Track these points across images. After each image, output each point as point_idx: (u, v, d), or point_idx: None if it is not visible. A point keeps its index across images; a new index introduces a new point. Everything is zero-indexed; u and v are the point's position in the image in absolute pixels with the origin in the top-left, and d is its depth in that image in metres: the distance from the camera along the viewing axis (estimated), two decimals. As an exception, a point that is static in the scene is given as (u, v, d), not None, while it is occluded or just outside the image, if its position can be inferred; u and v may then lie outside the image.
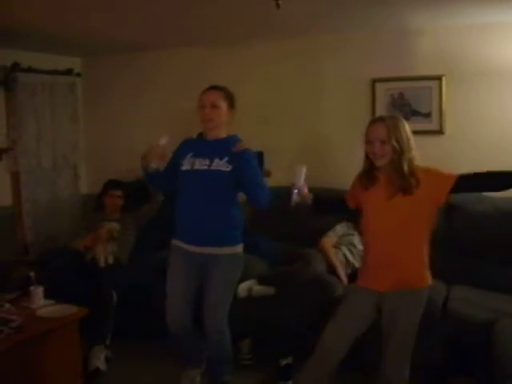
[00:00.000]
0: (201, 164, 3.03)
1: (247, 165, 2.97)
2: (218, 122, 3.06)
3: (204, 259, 3.08)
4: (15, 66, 4.85)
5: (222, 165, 2.99)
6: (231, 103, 3.10)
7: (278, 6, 3.04)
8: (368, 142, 2.67)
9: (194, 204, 3.07)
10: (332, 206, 3.17)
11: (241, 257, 3.17)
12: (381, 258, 2.70)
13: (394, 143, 2.59)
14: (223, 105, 3.05)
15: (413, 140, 2.66)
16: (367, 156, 2.72)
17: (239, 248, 3.15)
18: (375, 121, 2.71)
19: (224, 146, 3.03)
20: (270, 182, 4.75)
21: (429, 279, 2.73)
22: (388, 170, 2.66)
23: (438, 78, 4.24)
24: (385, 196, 2.65)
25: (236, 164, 2.96)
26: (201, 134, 3.19)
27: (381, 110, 4.40)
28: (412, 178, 2.58)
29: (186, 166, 3.09)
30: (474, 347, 3.21)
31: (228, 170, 2.99)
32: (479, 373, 3.19)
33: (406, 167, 2.58)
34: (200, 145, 3.13)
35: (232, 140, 3.08)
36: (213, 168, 3.00)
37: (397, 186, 2.61)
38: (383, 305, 2.71)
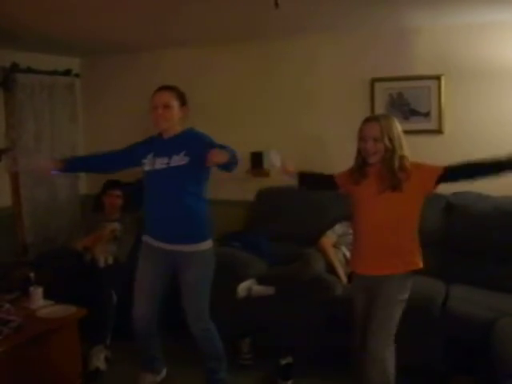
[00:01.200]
0: (161, 163, 3.09)
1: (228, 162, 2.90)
2: (172, 121, 3.13)
3: (173, 256, 3.14)
4: (14, 67, 4.85)
5: (179, 160, 3.04)
6: (182, 101, 3.17)
7: (276, 5, 3.04)
8: (361, 139, 2.81)
9: (158, 203, 3.14)
10: (318, 181, 3.24)
11: (211, 252, 3.20)
12: (370, 247, 2.85)
13: (387, 142, 2.73)
14: (175, 104, 3.12)
15: (404, 138, 2.78)
16: (359, 152, 2.85)
17: (208, 244, 3.18)
18: (369, 119, 2.84)
19: (180, 141, 3.11)
20: (270, 181, 4.79)
21: (409, 267, 2.84)
22: (379, 166, 2.78)
23: (437, 78, 4.25)
24: (375, 191, 2.77)
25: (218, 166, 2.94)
26: (160, 133, 3.24)
27: (380, 110, 4.40)
28: (402, 172, 2.71)
29: (147, 167, 3.15)
30: (474, 346, 3.21)
31: (185, 162, 3.03)
32: (479, 372, 3.19)
33: (396, 164, 2.72)
34: (159, 144, 3.19)
35: (187, 133, 3.17)
36: (172, 165, 3.05)
37: (387, 182, 2.74)
38: (372, 288, 2.85)
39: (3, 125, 4.92)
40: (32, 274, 3.53)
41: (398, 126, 2.78)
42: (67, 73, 5.38)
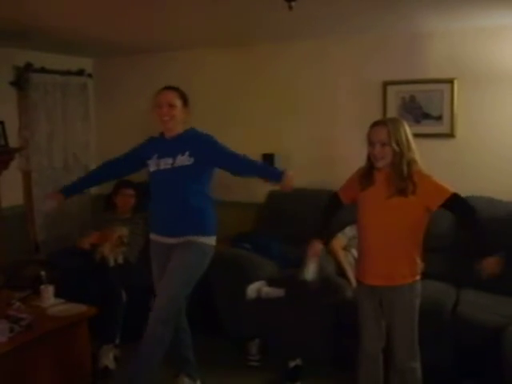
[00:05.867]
0: (165, 164, 3.15)
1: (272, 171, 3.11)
2: (176, 120, 3.17)
3: (174, 247, 3.15)
4: (28, 67, 4.89)
5: (184, 160, 3.09)
6: (185, 101, 3.22)
7: (290, 7, 3.05)
8: (369, 143, 2.77)
9: (163, 201, 3.20)
10: (330, 217, 3.16)
11: (206, 247, 3.18)
12: (374, 255, 2.82)
13: (394, 146, 2.69)
14: (178, 103, 3.17)
15: (413, 142, 2.74)
16: (369, 157, 2.81)
17: (209, 240, 3.19)
18: (377, 123, 2.79)
19: (183, 141, 3.16)
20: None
21: (416, 275, 2.82)
22: (387, 170, 2.74)
23: (450, 81, 4.23)
24: (383, 196, 2.74)
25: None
26: (162, 133, 3.29)
27: (392, 113, 4.39)
28: (409, 181, 2.67)
29: (152, 168, 3.21)
30: (484, 351, 3.20)
31: (190, 163, 3.09)
32: (489, 377, 3.18)
33: (405, 169, 2.68)
34: (162, 145, 3.23)
35: (190, 133, 3.22)
36: (176, 165, 3.11)
37: (395, 186, 2.70)
38: (381, 297, 2.85)
39: (16, 124, 4.95)
40: (43, 273, 3.56)
41: (407, 129, 2.74)
42: (80, 73, 5.43)
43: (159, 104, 3.17)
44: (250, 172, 3.18)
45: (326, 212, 3.13)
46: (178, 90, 3.22)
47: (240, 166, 3.13)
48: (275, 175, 3.02)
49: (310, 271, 2.99)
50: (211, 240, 3.21)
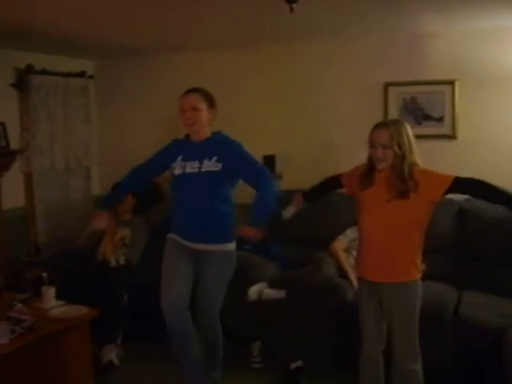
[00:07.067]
0: (192, 167, 3.10)
1: (264, 220, 3.07)
2: (201, 123, 3.11)
3: (198, 252, 3.16)
4: (29, 68, 4.89)
5: (211, 165, 3.06)
6: (211, 103, 3.15)
7: (291, 9, 3.05)
8: (371, 145, 2.77)
9: (188, 205, 3.15)
10: (322, 190, 3.28)
11: (233, 254, 3.23)
12: (375, 252, 2.81)
13: (396, 148, 2.68)
14: (203, 106, 3.11)
15: (415, 144, 2.73)
16: (370, 158, 2.81)
17: (231, 246, 3.21)
18: (378, 125, 2.79)
19: (211, 146, 3.12)
20: (282, 185, 4.78)
21: (419, 272, 2.81)
22: (388, 172, 2.74)
23: (451, 83, 4.23)
24: (383, 197, 2.73)
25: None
26: (188, 136, 3.24)
27: (393, 114, 4.39)
28: (411, 181, 2.67)
29: (177, 170, 3.15)
30: (486, 353, 3.20)
31: (218, 169, 3.06)
32: (490, 379, 3.17)
33: (406, 171, 2.68)
34: (188, 147, 3.19)
35: (218, 138, 3.18)
36: (203, 170, 3.07)
37: (396, 188, 2.69)
38: (382, 296, 2.84)
39: (18, 126, 4.95)
40: (44, 274, 3.55)
41: (409, 131, 2.73)
42: (81, 75, 5.42)
43: (183, 108, 3.11)
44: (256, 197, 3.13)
45: (322, 184, 3.21)
46: (202, 91, 3.15)
47: (255, 187, 3.11)
48: (252, 219, 3.03)
49: (288, 211, 3.16)
50: (234, 244, 3.23)
